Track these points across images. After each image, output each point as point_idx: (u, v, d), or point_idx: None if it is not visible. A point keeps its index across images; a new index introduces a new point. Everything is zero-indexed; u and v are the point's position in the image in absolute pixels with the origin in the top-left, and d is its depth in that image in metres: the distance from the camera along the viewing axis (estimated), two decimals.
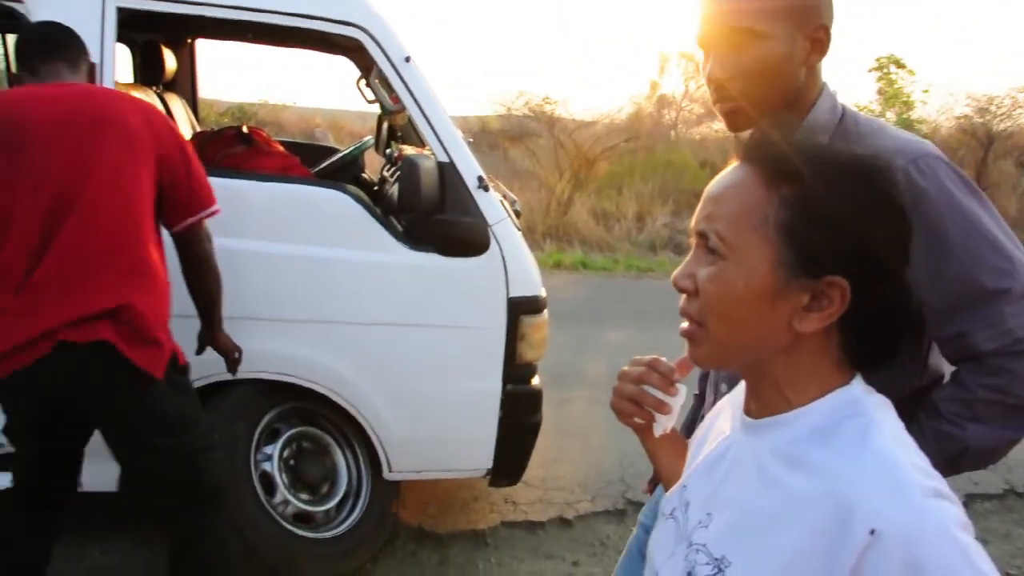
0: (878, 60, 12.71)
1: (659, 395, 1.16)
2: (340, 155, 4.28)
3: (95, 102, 2.19)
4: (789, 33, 1.28)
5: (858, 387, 0.94)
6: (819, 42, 1.29)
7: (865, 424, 0.89)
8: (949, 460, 1.24)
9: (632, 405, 1.18)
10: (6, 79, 5.19)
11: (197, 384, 2.82)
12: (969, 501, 3.98)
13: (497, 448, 3.12)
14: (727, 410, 1.10)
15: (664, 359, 1.17)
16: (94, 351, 2.09)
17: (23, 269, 2.07)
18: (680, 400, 1.17)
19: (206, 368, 2.82)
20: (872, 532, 0.78)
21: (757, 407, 0.98)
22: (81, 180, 2.10)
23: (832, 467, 0.86)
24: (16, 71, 2.41)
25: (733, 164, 0.97)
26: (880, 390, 1.16)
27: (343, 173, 4.12)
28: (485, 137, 16.93)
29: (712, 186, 0.97)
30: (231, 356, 2.61)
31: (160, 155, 2.22)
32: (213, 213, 2.36)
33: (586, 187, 12.74)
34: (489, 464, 3.14)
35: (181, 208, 2.30)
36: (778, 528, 0.87)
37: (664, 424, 1.19)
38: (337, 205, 2.93)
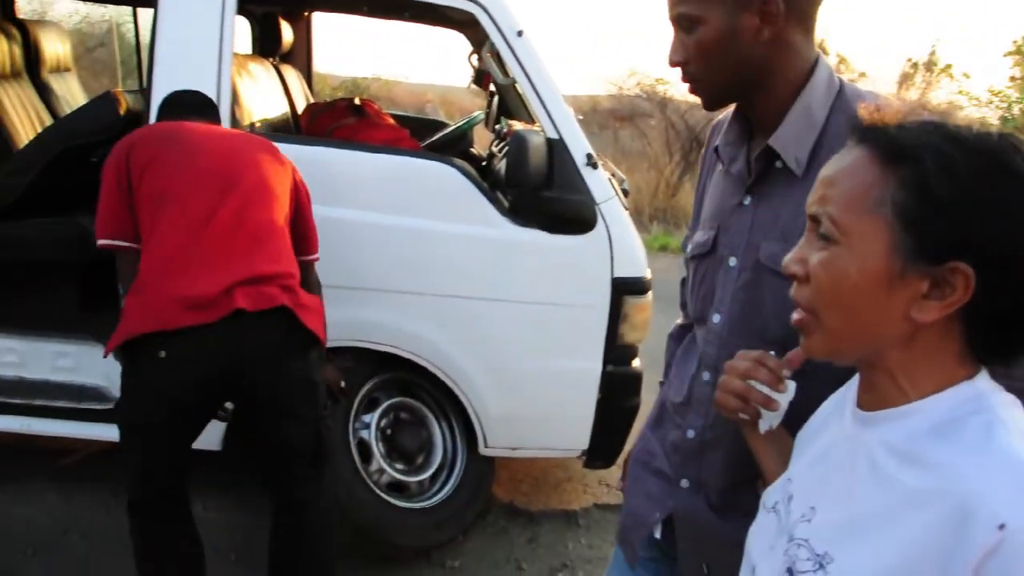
0: (1015, 43, 11.97)
1: (767, 391, 1.10)
2: (449, 129, 4.28)
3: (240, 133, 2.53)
4: (728, 13, 1.21)
5: (983, 382, 0.87)
6: (770, 15, 1.20)
7: (990, 421, 0.83)
8: None
9: (738, 401, 1.13)
10: (135, 55, 5.41)
11: None
12: None
13: (594, 429, 3.08)
14: (838, 403, 1.04)
15: (772, 353, 1.11)
16: (274, 314, 2.22)
17: (190, 241, 2.21)
18: (789, 396, 1.11)
19: None
20: (1001, 527, 0.74)
21: (871, 400, 0.93)
22: (241, 169, 2.34)
23: (954, 465, 0.80)
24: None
25: (848, 145, 0.91)
26: None
27: (452, 147, 4.12)
28: (595, 117, 16.76)
29: (826, 168, 0.92)
30: (336, 386, 2.71)
31: (295, 185, 2.49)
32: (315, 260, 2.60)
33: (696, 169, 12.46)
34: (585, 445, 3.10)
35: (300, 242, 2.50)
36: (888, 526, 0.82)
37: (771, 421, 1.13)
38: (444, 178, 2.93)
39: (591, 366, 3.03)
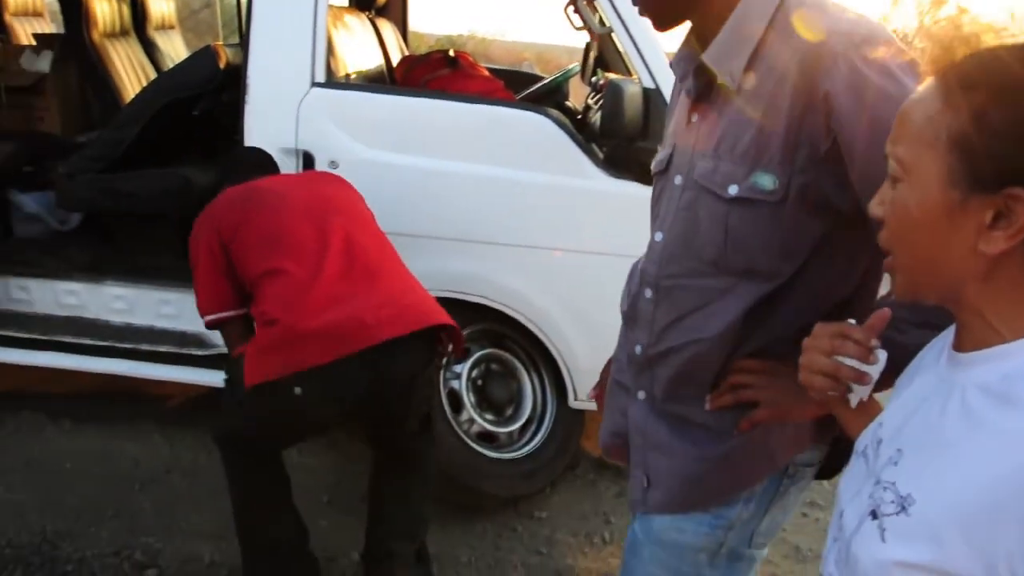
0: None
1: (857, 365, 1.03)
2: (544, 82, 4.22)
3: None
4: None
5: None
6: None
7: None
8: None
9: (828, 380, 1.05)
10: (236, 17, 5.49)
11: None
12: None
13: None
14: (936, 347, 0.99)
15: (853, 322, 1.05)
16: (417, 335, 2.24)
17: (312, 274, 2.24)
18: (880, 367, 1.03)
19: None
20: None
21: (965, 340, 0.88)
22: (330, 197, 2.48)
23: None
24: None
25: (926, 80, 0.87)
26: (809, 297, 1.22)
27: (547, 100, 4.06)
28: None
29: (903, 104, 0.89)
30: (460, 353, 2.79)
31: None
32: None
33: None
34: None
35: None
36: (976, 467, 0.78)
37: (862, 394, 1.07)
38: (538, 128, 2.89)
39: None
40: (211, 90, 3.41)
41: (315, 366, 2.08)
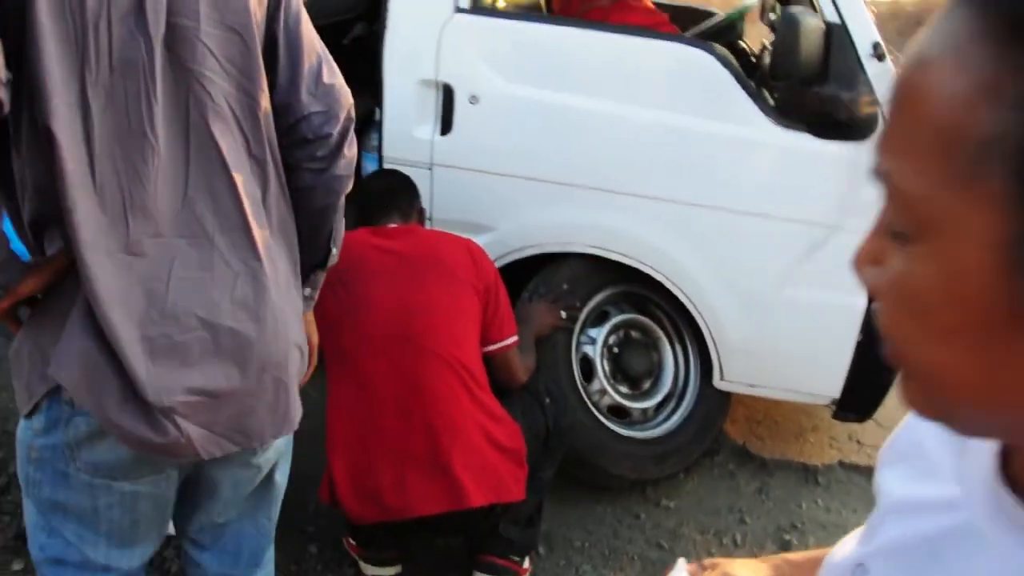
0: None
1: None
2: (716, 18, 3.81)
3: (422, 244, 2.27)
4: None
5: None
6: None
7: None
8: None
9: None
10: None
11: (532, 251, 2.67)
12: None
13: (848, 376, 2.62)
14: (946, 451, 0.58)
15: None
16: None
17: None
18: None
19: (543, 236, 2.67)
20: None
21: None
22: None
23: None
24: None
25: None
26: None
27: (718, 39, 3.66)
28: (895, 22, 15.07)
29: (909, 54, 0.45)
30: (557, 325, 2.63)
31: (483, 286, 2.24)
32: (511, 345, 2.33)
33: None
34: (836, 393, 2.66)
35: (488, 330, 2.27)
36: None
37: None
38: (700, 67, 2.53)
39: (853, 301, 2.55)
40: (359, 17, 3.24)
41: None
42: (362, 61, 2.78)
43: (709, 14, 3.99)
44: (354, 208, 2.45)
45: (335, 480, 2.07)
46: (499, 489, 2.06)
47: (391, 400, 2.05)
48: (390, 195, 2.39)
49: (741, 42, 3.87)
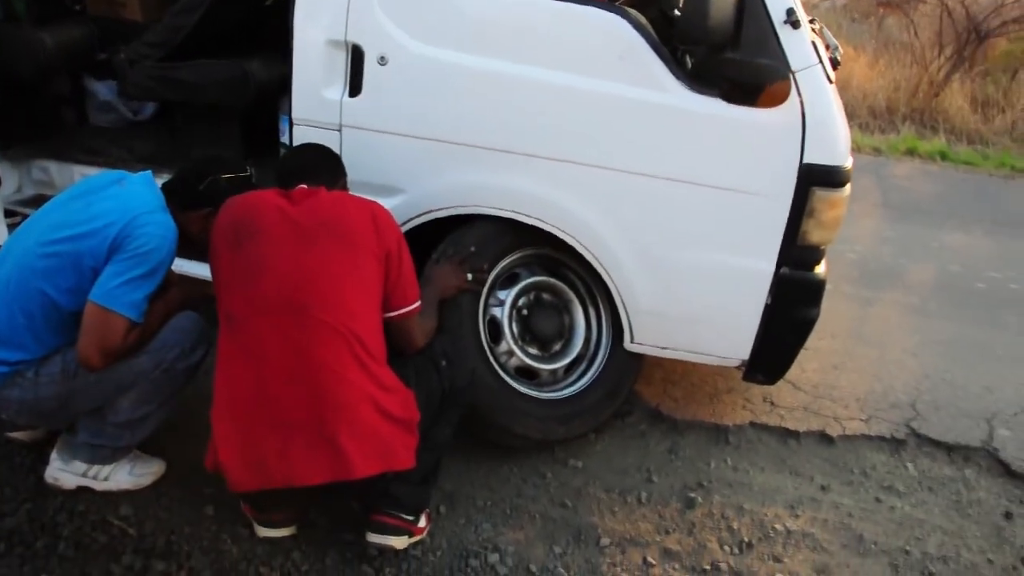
0: None
1: None
2: None
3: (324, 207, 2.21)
4: None
5: None
6: None
7: None
8: None
9: None
10: None
11: (441, 214, 2.67)
12: None
13: (758, 339, 2.66)
14: None
15: None
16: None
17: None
18: None
19: (452, 199, 2.67)
20: None
21: None
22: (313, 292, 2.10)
23: None
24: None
25: None
26: None
27: (649, 4, 3.65)
28: (858, 4, 15.09)
29: None
30: (464, 287, 2.64)
31: (383, 251, 2.19)
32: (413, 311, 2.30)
33: (970, 68, 10.87)
34: (746, 355, 2.70)
35: (391, 298, 2.24)
36: None
37: None
38: (611, 30, 2.52)
39: (762, 266, 2.59)
40: None
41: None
42: (282, 24, 2.76)
43: None
44: (273, 177, 2.45)
45: (219, 446, 2.05)
46: (387, 458, 2.04)
47: (279, 369, 2.02)
48: (310, 168, 2.36)
49: (677, 12, 3.86)
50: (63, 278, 2.14)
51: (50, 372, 2.20)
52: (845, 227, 2.77)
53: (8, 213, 3.20)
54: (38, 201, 3.13)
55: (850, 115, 9.12)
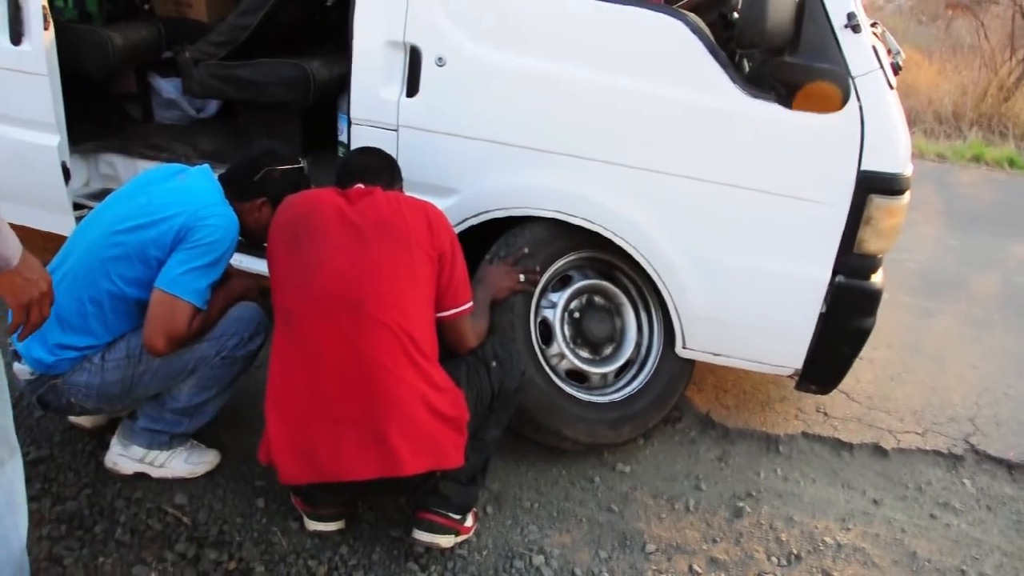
0: None
1: None
2: None
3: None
4: None
5: None
6: None
7: None
8: None
9: None
10: None
11: (495, 215, 2.69)
12: None
13: (812, 348, 2.62)
14: None
15: None
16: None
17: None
18: None
19: (506, 200, 2.68)
20: None
21: None
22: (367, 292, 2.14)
23: None
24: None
25: None
26: None
27: (709, 8, 3.62)
28: (924, 4, 14.74)
29: None
30: (517, 288, 2.65)
31: (437, 253, 2.23)
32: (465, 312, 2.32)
33: None
34: (799, 364, 2.66)
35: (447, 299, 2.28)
36: None
37: None
38: (669, 33, 2.50)
39: (817, 273, 2.55)
40: None
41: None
42: (343, 23, 2.80)
43: None
44: (330, 175, 2.50)
45: (271, 439, 2.10)
46: (437, 456, 2.07)
47: (332, 364, 2.05)
48: (368, 169, 2.39)
49: (736, 15, 3.82)
50: (129, 267, 2.22)
51: (116, 357, 2.27)
52: (906, 235, 2.71)
53: (76, 206, 3.30)
54: (104, 195, 3.22)
55: (914, 120, 8.97)
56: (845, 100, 2.41)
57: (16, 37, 2.97)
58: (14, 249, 1.49)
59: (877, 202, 2.45)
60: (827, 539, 2.54)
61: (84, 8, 3.55)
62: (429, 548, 2.27)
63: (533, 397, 2.62)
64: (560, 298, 2.79)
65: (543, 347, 2.74)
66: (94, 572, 2.13)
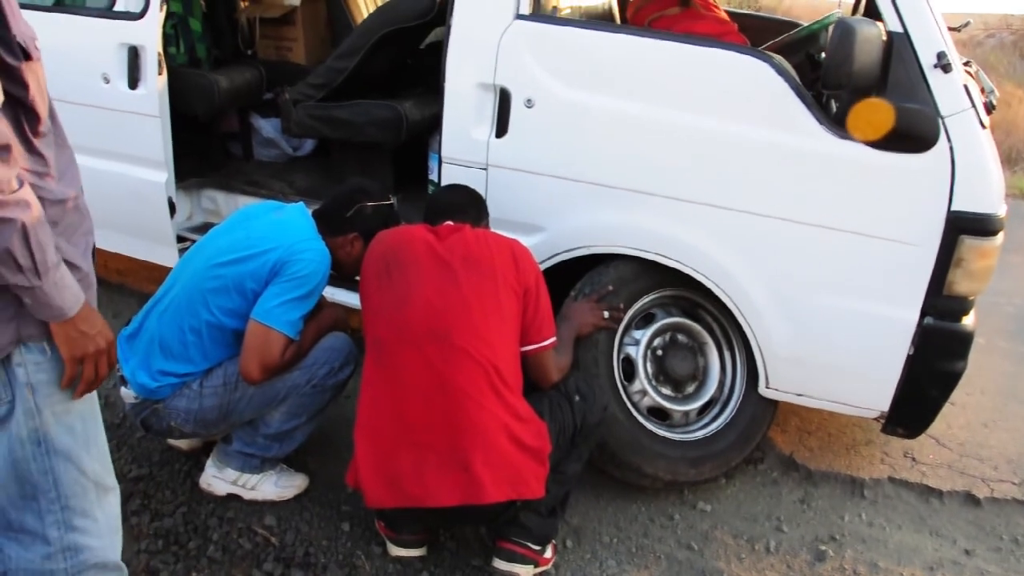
0: None
1: None
2: (798, 29, 3.77)
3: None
4: None
5: None
6: None
7: None
8: None
9: None
10: None
11: (580, 252, 2.74)
12: None
13: (899, 390, 2.58)
14: None
15: None
16: None
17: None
18: None
19: (591, 238, 2.73)
20: None
21: None
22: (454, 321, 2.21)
23: None
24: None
25: None
26: None
27: (797, 51, 3.63)
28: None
29: None
30: (602, 325, 2.70)
31: (523, 288, 2.29)
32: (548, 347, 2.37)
33: None
34: (886, 407, 2.61)
35: (531, 334, 2.33)
36: None
37: None
38: (755, 75, 2.52)
39: (905, 315, 2.51)
40: (433, 22, 3.36)
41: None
42: (435, 66, 2.92)
43: (794, 25, 3.96)
44: (420, 212, 2.59)
45: (359, 464, 2.17)
46: (518, 485, 2.10)
47: (419, 393, 2.12)
48: (457, 206, 2.47)
49: (823, 54, 3.82)
50: (227, 299, 2.34)
51: (213, 384, 2.39)
52: (1003, 278, 2.65)
53: (179, 239, 3.48)
54: (206, 228, 3.39)
55: (1015, 159, 8.69)
56: (934, 140, 2.40)
57: (133, 82, 3.19)
58: (71, 301, 1.42)
59: (968, 243, 2.41)
60: None
61: (194, 54, 3.77)
62: None
63: (615, 433, 2.64)
64: (643, 335, 2.81)
65: (626, 384, 2.77)
66: None
